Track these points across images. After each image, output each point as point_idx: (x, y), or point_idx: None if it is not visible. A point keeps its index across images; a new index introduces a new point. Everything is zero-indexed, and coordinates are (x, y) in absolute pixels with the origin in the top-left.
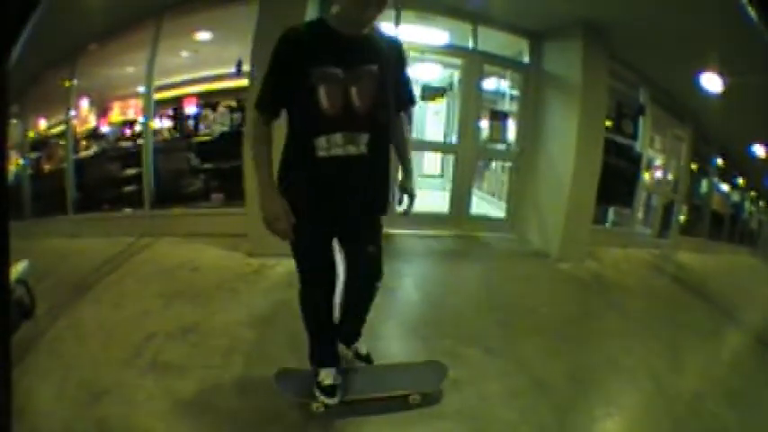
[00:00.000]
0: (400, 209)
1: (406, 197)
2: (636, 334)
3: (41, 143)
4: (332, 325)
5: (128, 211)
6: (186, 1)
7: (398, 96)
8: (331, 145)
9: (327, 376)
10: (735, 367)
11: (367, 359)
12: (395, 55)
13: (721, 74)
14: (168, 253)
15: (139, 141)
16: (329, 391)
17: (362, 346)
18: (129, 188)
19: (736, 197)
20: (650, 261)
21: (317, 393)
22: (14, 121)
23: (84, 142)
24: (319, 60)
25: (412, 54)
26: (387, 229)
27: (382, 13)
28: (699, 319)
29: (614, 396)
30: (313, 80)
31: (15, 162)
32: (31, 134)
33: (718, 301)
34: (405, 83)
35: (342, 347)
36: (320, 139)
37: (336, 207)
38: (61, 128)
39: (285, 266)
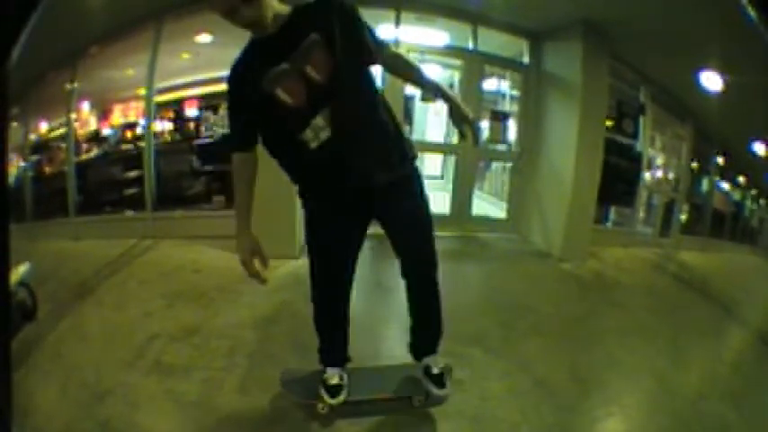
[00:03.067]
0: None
1: (464, 125)
2: (638, 333)
3: (43, 146)
4: (342, 325)
5: (129, 213)
6: (187, 3)
7: (365, 48)
8: (317, 131)
9: (333, 376)
10: (737, 366)
11: (437, 381)
12: (328, 14)
13: (721, 72)
14: (170, 255)
15: (141, 144)
16: (334, 391)
17: (435, 364)
18: (130, 190)
19: (737, 195)
20: (652, 260)
21: (322, 392)
22: (15, 123)
23: (85, 145)
24: (263, 69)
25: (412, 55)
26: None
27: (259, 9)
28: (701, 317)
29: (616, 395)
30: (267, 91)
31: (17, 165)
32: (32, 137)
33: (720, 299)
34: (363, 34)
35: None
36: (306, 133)
37: (352, 180)
38: (62, 130)
39: (287, 267)
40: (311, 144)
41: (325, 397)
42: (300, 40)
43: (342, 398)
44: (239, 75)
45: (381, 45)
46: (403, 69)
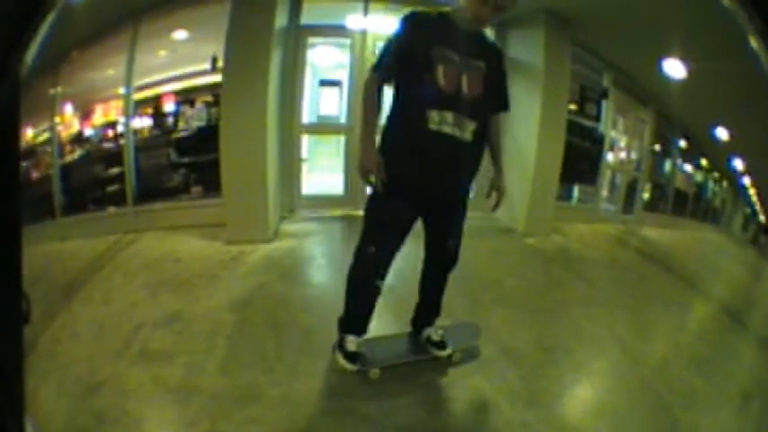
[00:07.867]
0: (490, 202)
1: (495, 193)
2: (602, 303)
3: (29, 152)
4: (375, 296)
5: (112, 209)
6: (164, 2)
7: (496, 99)
8: (442, 121)
9: (352, 343)
10: (700, 335)
11: (440, 345)
12: (497, 60)
13: (684, 60)
14: (152, 246)
15: (121, 141)
16: (354, 357)
17: (435, 333)
18: (112, 187)
19: (699, 177)
20: (615, 235)
21: (341, 359)
22: None
23: (68, 147)
24: (441, 42)
25: (379, 45)
26: (357, 211)
27: (501, 15)
28: (664, 289)
29: (581, 362)
30: (434, 58)
31: None
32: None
33: (681, 272)
34: (503, 88)
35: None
36: (433, 113)
37: (430, 183)
38: (47, 135)
39: (261, 252)
40: (430, 124)
41: (345, 363)
42: (475, 56)
43: (358, 366)
44: (422, 27)
45: (505, 109)
46: (496, 138)
